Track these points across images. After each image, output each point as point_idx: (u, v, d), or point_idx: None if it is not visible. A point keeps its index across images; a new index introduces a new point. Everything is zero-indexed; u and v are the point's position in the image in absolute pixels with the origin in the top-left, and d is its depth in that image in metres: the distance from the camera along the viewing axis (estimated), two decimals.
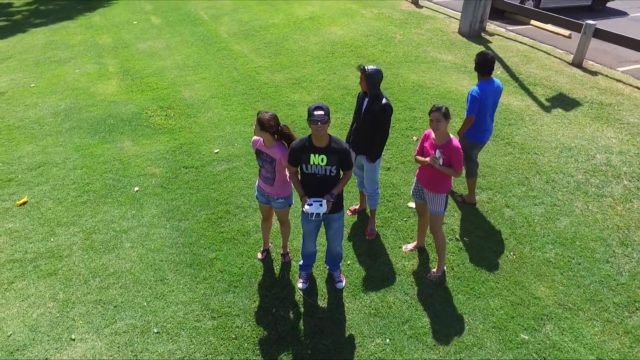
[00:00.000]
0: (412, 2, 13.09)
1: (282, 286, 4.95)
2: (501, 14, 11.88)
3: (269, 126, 4.23)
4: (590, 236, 5.49)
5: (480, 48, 10.04)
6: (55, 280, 5.02)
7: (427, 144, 4.58)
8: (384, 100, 4.86)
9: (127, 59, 10.50)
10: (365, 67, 4.70)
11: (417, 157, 4.74)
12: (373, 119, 4.89)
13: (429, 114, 4.37)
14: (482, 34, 10.84)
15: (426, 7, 12.74)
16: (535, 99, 8.16)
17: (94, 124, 7.86)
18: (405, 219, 5.77)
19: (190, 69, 9.78)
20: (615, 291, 4.88)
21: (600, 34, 8.97)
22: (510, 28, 11.54)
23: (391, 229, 5.66)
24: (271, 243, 5.41)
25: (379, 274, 5.08)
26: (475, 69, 5.44)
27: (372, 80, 4.76)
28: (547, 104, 8.00)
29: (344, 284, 4.94)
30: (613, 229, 5.57)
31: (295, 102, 8.28)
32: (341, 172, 4.23)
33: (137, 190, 6.28)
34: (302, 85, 8.83)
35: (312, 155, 4.01)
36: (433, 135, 4.49)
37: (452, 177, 4.58)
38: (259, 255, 5.24)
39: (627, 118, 7.56)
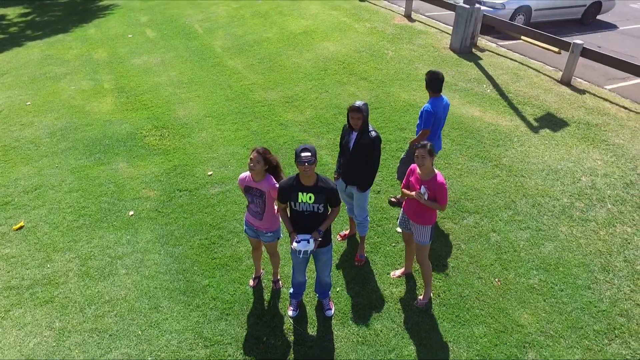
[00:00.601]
0: (405, 16, 13.24)
1: (272, 314, 5.08)
2: (492, 28, 12.04)
3: (272, 159, 4.41)
4: (573, 262, 5.65)
5: (471, 65, 10.21)
6: (52, 308, 5.14)
7: (412, 179, 4.73)
8: (373, 133, 4.99)
9: (122, 74, 10.61)
10: (359, 107, 4.81)
11: (403, 189, 4.88)
12: (364, 152, 5.02)
13: (415, 149, 4.52)
14: (473, 50, 11.00)
15: (419, 22, 12.89)
16: (523, 118, 8.32)
17: (90, 144, 7.97)
18: (394, 244, 5.92)
19: (185, 86, 9.90)
20: (595, 318, 5.03)
21: (587, 53, 9.14)
22: (501, 43, 11.71)
23: (380, 254, 5.80)
24: (263, 269, 5.54)
25: (367, 301, 5.22)
26: (427, 87, 5.68)
27: (366, 115, 4.90)
28: (535, 124, 8.16)
29: (332, 311, 5.08)
30: (595, 255, 5.73)
31: (288, 121, 8.41)
32: (329, 208, 4.37)
33: (132, 215, 6.40)
34: (294, 104, 8.96)
35: (300, 194, 4.16)
36: (418, 170, 4.63)
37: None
38: (251, 283, 5.38)
39: (612, 139, 7.73)
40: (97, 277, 5.49)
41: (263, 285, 5.40)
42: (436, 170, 4.60)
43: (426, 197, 4.52)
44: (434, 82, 5.61)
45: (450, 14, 12.22)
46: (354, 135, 5.04)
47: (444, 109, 5.76)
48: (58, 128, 8.46)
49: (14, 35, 13.67)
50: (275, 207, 4.67)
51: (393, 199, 6.55)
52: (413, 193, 4.61)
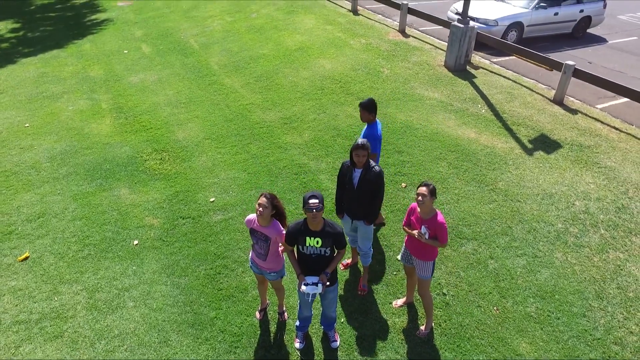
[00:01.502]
0: (399, 31, 13.40)
1: (279, 346, 5.20)
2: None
3: (280, 205, 4.53)
4: (568, 289, 5.83)
5: (465, 84, 10.39)
6: (62, 343, 5.22)
7: (413, 218, 4.87)
8: (377, 168, 5.14)
9: (120, 93, 10.66)
10: (363, 144, 4.95)
11: (404, 227, 5.03)
12: (370, 188, 5.16)
13: (417, 188, 4.66)
14: (468, 67, 11.19)
15: (413, 37, 13.07)
16: (518, 140, 8.51)
17: (90, 169, 8.03)
18: (394, 273, 6.07)
19: (183, 106, 9.98)
20: (591, 346, 5.22)
21: (578, 74, 9.36)
22: (495, 60, 11.92)
23: (382, 283, 5.94)
24: (268, 300, 5.66)
25: (371, 332, 5.36)
26: (370, 112, 5.85)
27: (369, 152, 5.05)
28: (529, 146, 8.36)
29: (338, 343, 5.21)
30: (590, 282, 5.92)
31: (287, 144, 8.54)
32: (335, 250, 4.50)
33: (136, 244, 6.49)
34: (293, 125, 9.08)
35: (307, 238, 4.29)
36: (419, 209, 4.77)
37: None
38: (258, 315, 5.49)
39: (604, 161, 7.95)
40: (106, 310, 5.58)
41: (269, 317, 5.52)
42: (436, 210, 4.74)
43: (427, 237, 4.67)
44: (374, 106, 5.84)
45: (443, 28, 12.42)
46: (358, 172, 5.17)
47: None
48: (58, 152, 8.51)
49: (7, 51, 13.62)
50: (281, 249, 4.79)
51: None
52: (414, 232, 4.76)
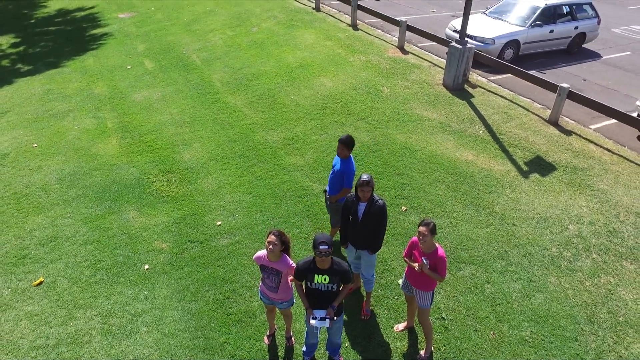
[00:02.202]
0: (398, 47, 13.68)
1: None
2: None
3: (287, 240, 4.79)
4: (561, 313, 6.11)
5: (463, 104, 10.67)
6: None
7: (415, 251, 5.14)
8: (380, 202, 5.41)
9: (125, 112, 10.89)
10: (368, 181, 5.22)
11: (405, 259, 5.30)
12: (374, 220, 5.43)
13: (418, 225, 4.93)
14: (465, 86, 11.47)
15: (412, 54, 13.35)
16: (514, 162, 8.80)
17: (99, 191, 8.26)
18: (396, 297, 6.33)
19: (187, 125, 10.22)
20: None
21: (573, 96, 9.65)
22: (492, 78, 12.21)
23: (384, 307, 6.21)
24: (276, 325, 5.91)
25: (374, 356, 5.62)
26: (347, 148, 6.14)
27: (373, 186, 5.32)
28: (525, 168, 8.64)
29: None
30: (582, 306, 6.20)
31: (290, 166, 8.79)
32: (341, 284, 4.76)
33: (147, 269, 6.73)
34: (295, 146, 9.34)
35: (316, 275, 4.55)
36: (420, 244, 5.04)
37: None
38: (266, 340, 5.75)
39: (597, 184, 8.24)
40: (120, 335, 5.81)
41: (277, 341, 5.77)
42: (437, 244, 5.01)
43: (427, 267, 4.93)
44: (352, 144, 6.14)
45: (442, 46, 12.70)
46: (362, 205, 5.44)
47: None
48: (67, 173, 8.73)
49: (10, 68, 13.81)
50: (290, 279, 5.05)
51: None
52: (415, 265, 5.02)
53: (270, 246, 4.67)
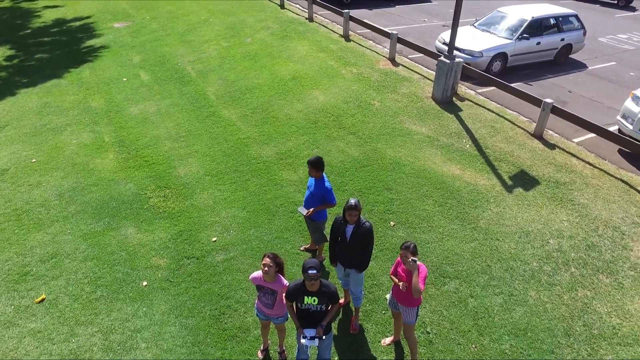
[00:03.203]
0: (389, 59, 14.00)
1: None
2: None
3: (280, 262, 5.10)
4: (540, 327, 6.44)
5: (451, 117, 11.00)
6: None
7: (400, 269, 5.46)
8: (367, 224, 5.72)
9: (121, 125, 11.15)
10: (355, 205, 5.52)
11: (392, 276, 5.61)
12: (361, 241, 5.74)
13: (400, 248, 5.25)
14: (454, 99, 11.80)
15: (402, 66, 13.67)
16: (499, 176, 9.13)
17: (98, 207, 8.52)
18: (384, 312, 6.64)
19: (183, 140, 10.49)
20: None
21: (556, 111, 10.00)
22: (480, 90, 12.55)
23: (372, 322, 6.52)
24: (269, 340, 6.20)
25: None
26: (319, 169, 6.45)
27: (360, 210, 5.63)
28: (510, 182, 8.97)
29: None
30: (559, 319, 6.53)
31: (283, 181, 9.08)
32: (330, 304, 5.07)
33: (145, 285, 7.01)
34: (288, 161, 9.63)
35: (305, 297, 4.86)
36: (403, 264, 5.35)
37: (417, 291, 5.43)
38: (260, 355, 6.04)
39: (578, 199, 8.58)
40: (120, 351, 6.09)
41: (270, 356, 6.07)
42: (419, 262, 5.33)
43: (417, 265, 5.20)
44: (321, 165, 6.44)
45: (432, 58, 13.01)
46: (350, 227, 5.74)
47: None
48: (66, 189, 8.98)
49: (7, 80, 13.98)
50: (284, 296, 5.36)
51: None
52: (400, 284, 5.34)
53: (266, 268, 4.98)
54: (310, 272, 4.64)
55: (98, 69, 14.44)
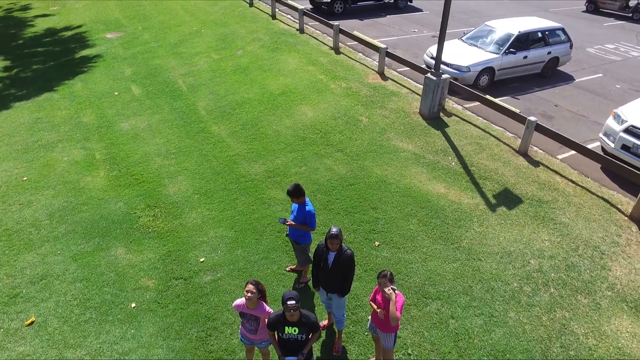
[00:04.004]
0: (378, 72, 14.17)
1: None
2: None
3: (263, 289, 5.25)
4: (518, 348, 6.61)
5: (438, 134, 11.18)
6: None
7: (379, 297, 5.62)
8: (348, 252, 5.88)
9: (112, 142, 11.26)
10: (337, 234, 5.67)
11: (371, 302, 5.78)
12: (343, 268, 5.90)
13: (377, 278, 5.42)
14: (441, 115, 11.98)
15: (391, 79, 13.84)
16: (483, 195, 9.31)
17: (88, 227, 8.64)
18: (366, 333, 6.79)
19: (173, 157, 10.62)
20: None
21: (540, 129, 10.19)
22: (467, 105, 12.74)
23: (354, 343, 6.67)
24: None
25: None
26: (298, 197, 6.59)
27: (342, 238, 5.79)
28: (493, 201, 9.15)
29: None
30: (537, 340, 6.71)
31: (271, 199, 9.23)
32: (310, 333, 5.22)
33: (134, 307, 7.13)
34: (276, 179, 9.78)
35: (286, 327, 5.02)
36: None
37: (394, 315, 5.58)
38: None
39: (559, 217, 8.77)
40: None
41: None
42: (397, 291, 5.49)
43: (395, 294, 5.35)
44: (299, 192, 6.54)
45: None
46: (332, 254, 5.90)
47: None
48: (56, 208, 9.10)
49: (1, 93, 14.08)
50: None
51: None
52: (379, 311, 5.50)
53: (249, 294, 5.13)
54: (289, 302, 4.80)
55: (90, 81, 14.55)
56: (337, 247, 5.82)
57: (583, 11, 25.19)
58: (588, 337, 6.73)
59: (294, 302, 4.81)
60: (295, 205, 6.79)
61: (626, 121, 9.95)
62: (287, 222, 6.70)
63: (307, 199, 6.74)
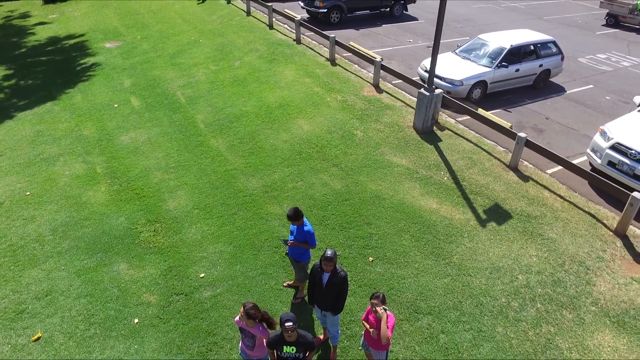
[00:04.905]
0: (373, 85, 14.47)
1: None
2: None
3: (255, 315, 5.52)
4: None
5: (431, 148, 11.49)
6: None
7: (371, 317, 5.92)
8: (342, 273, 6.19)
9: (112, 155, 11.52)
10: (331, 257, 5.97)
11: (363, 322, 6.08)
12: (337, 288, 6.20)
13: (370, 299, 5.72)
14: (434, 128, 12.28)
15: (386, 92, 14.15)
16: (474, 211, 9.61)
17: (91, 242, 8.90)
18: (360, 348, 7.08)
19: (172, 171, 10.89)
20: None
21: (530, 145, 10.51)
22: (460, 119, 13.04)
23: (349, 358, 6.96)
24: None
25: None
26: (297, 220, 6.85)
27: (336, 261, 6.09)
28: (484, 216, 9.46)
29: None
30: (524, 355, 7.02)
31: (269, 215, 9.51)
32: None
33: (137, 322, 7.41)
34: (273, 194, 10.06)
35: (284, 347, 5.32)
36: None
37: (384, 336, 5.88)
38: None
39: (547, 233, 9.08)
40: None
41: None
42: (388, 312, 5.79)
43: (387, 314, 5.65)
44: (298, 215, 6.80)
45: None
46: (326, 275, 6.20)
47: None
48: (59, 223, 9.35)
49: (2, 104, 14.31)
50: (265, 341, 5.80)
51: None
52: (371, 331, 5.80)
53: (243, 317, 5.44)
54: (287, 324, 5.11)
55: (90, 93, 14.79)
56: (332, 269, 6.11)
57: (603, 25, 24.89)
58: (572, 352, 7.05)
59: (291, 323, 5.11)
60: (293, 226, 7.07)
61: (612, 138, 10.28)
62: (289, 242, 6.99)
63: (305, 220, 7.03)
